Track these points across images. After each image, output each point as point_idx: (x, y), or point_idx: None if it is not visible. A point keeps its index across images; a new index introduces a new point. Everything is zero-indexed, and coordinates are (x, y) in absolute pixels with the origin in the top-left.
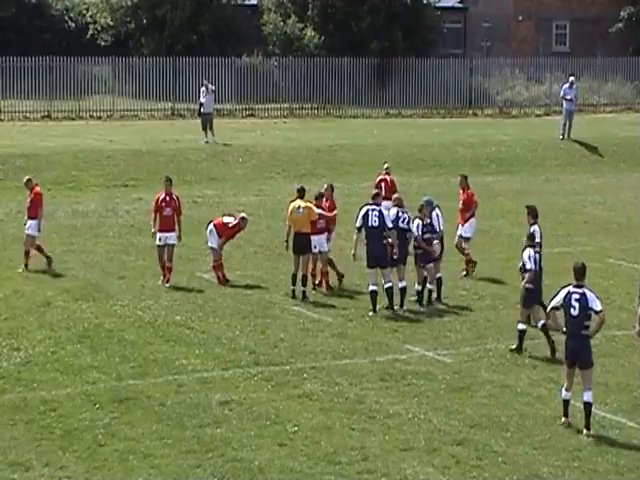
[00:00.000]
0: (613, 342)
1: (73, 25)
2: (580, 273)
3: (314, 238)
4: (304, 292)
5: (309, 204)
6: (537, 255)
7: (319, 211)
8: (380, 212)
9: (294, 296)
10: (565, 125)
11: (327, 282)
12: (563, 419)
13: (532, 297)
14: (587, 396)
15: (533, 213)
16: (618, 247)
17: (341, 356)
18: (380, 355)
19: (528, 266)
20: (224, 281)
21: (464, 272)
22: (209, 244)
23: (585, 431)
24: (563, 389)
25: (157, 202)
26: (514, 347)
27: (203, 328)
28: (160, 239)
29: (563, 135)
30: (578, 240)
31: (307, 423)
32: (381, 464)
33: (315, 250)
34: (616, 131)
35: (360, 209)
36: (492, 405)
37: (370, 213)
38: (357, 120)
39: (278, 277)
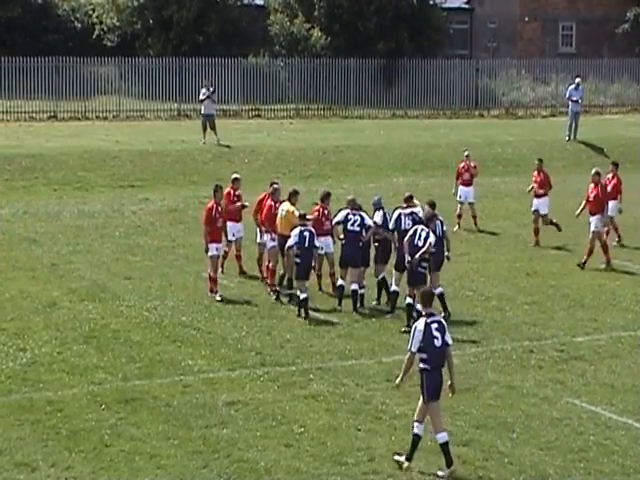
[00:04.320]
0: (619, 343)
1: (79, 25)
2: (427, 299)
3: (320, 239)
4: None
5: (291, 208)
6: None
7: (297, 214)
8: (384, 214)
9: (278, 297)
10: (571, 126)
11: (334, 283)
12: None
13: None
14: (442, 437)
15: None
16: (624, 248)
17: (347, 357)
18: (386, 356)
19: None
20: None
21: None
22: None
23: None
24: (416, 424)
25: (211, 212)
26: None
27: (209, 329)
28: (217, 249)
29: (569, 136)
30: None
31: (313, 424)
32: (387, 465)
33: (321, 252)
34: (622, 132)
35: (393, 212)
36: (498, 406)
37: (403, 217)
38: (363, 121)
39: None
